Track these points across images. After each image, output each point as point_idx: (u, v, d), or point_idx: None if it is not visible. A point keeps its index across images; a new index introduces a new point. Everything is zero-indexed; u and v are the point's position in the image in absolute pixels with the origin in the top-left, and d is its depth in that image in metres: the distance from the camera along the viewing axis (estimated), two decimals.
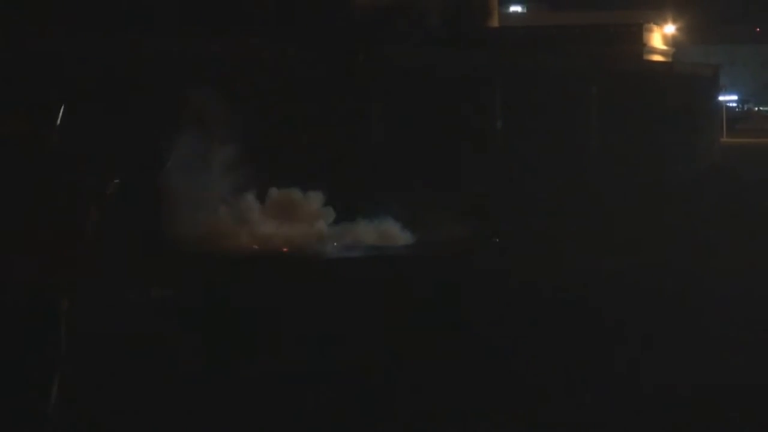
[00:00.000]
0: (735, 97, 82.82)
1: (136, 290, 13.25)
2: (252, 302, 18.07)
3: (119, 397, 13.04)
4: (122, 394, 13.11)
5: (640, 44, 45.36)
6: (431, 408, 12.16)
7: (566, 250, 20.19)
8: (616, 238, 21.86)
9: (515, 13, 59.81)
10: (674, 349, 14.48)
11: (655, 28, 51.22)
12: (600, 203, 25.15)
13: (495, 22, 43.50)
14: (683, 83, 37.90)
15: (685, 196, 27.55)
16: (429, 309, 16.45)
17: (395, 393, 12.26)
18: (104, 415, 12.15)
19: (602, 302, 16.45)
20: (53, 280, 8.36)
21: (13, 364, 8.72)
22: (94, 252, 8.81)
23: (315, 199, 22.03)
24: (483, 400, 13.01)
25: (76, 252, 8.51)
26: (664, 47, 50.91)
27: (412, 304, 16.91)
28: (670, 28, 56.06)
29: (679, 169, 31.85)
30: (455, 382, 13.59)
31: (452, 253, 20.92)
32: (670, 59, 50.67)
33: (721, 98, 51.58)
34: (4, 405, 8.86)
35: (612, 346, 14.25)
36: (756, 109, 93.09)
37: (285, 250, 21.10)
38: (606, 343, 14.32)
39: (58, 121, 8.50)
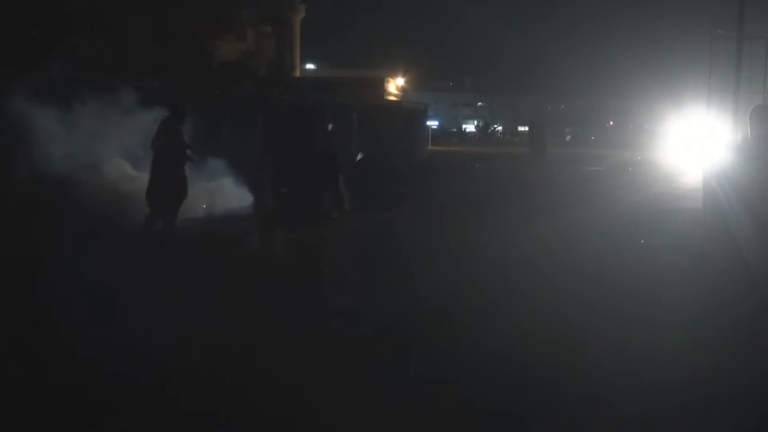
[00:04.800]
0: (436, 123, 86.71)
1: None
2: None
3: None
4: None
5: (382, 89, 47.21)
6: None
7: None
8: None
9: (310, 69, 59.60)
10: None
11: (391, 80, 52.92)
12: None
13: (298, 73, 44.89)
14: (406, 113, 38.04)
15: (411, 174, 27.45)
16: None
17: None
18: None
19: None
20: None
21: None
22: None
23: None
24: None
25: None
26: (396, 92, 52.47)
27: None
28: (400, 81, 56.32)
29: (405, 161, 31.30)
30: None
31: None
32: (399, 99, 51.44)
33: (428, 123, 53.10)
34: None
35: None
36: (448, 130, 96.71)
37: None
38: None
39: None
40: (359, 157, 9.78)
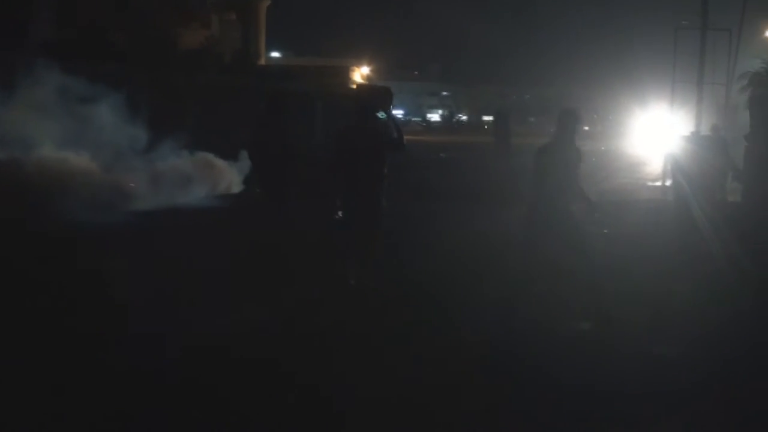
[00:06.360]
0: (402, 112, 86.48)
1: None
2: None
3: None
4: None
5: (347, 78, 47.31)
6: None
7: None
8: None
9: (275, 57, 59.33)
10: None
11: (356, 68, 53.02)
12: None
13: (263, 61, 44.65)
14: None
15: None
16: None
17: None
18: None
19: None
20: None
21: None
22: None
23: None
24: None
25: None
26: (361, 80, 52.58)
27: None
28: (365, 69, 56.57)
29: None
30: None
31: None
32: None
33: (393, 112, 52.89)
34: None
35: None
36: (412, 119, 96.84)
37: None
38: None
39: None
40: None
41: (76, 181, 15.72)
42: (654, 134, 33.67)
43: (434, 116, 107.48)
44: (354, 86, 41.97)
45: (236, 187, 20.04)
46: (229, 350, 7.46)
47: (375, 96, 9.93)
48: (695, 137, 16.47)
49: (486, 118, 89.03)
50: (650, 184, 24.51)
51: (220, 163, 20.53)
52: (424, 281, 10.57)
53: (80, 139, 16.57)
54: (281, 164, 10.79)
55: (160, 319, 8.22)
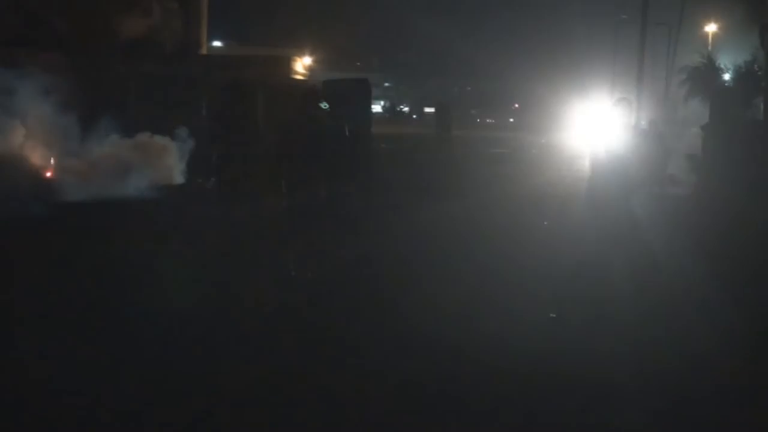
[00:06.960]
0: None
1: None
2: None
3: None
4: None
5: (289, 68, 47.24)
6: None
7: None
8: None
9: (217, 46, 58.71)
10: None
11: (298, 59, 52.99)
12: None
13: (204, 51, 44.38)
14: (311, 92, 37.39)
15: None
16: None
17: None
18: None
19: None
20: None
21: None
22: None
23: None
24: None
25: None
26: (303, 71, 52.60)
27: None
28: (307, 60, 56.51)
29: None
30: None
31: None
32: (306, 78, 50.82)
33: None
34: None
35: None
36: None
37: None
38: None
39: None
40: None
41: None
42: (594, 127, 34.12)
43: (376, 107, 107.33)
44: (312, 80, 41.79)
45: (178, 175, 20.01)
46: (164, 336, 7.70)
47: (317, 90, 10.36)
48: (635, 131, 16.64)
49: (428, 109, 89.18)
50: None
51: (161, 144, 20.30)
52: (368, 272, 10.63)
53: (8, 129, 16.38)
54: (241, 154, 10.97)
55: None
